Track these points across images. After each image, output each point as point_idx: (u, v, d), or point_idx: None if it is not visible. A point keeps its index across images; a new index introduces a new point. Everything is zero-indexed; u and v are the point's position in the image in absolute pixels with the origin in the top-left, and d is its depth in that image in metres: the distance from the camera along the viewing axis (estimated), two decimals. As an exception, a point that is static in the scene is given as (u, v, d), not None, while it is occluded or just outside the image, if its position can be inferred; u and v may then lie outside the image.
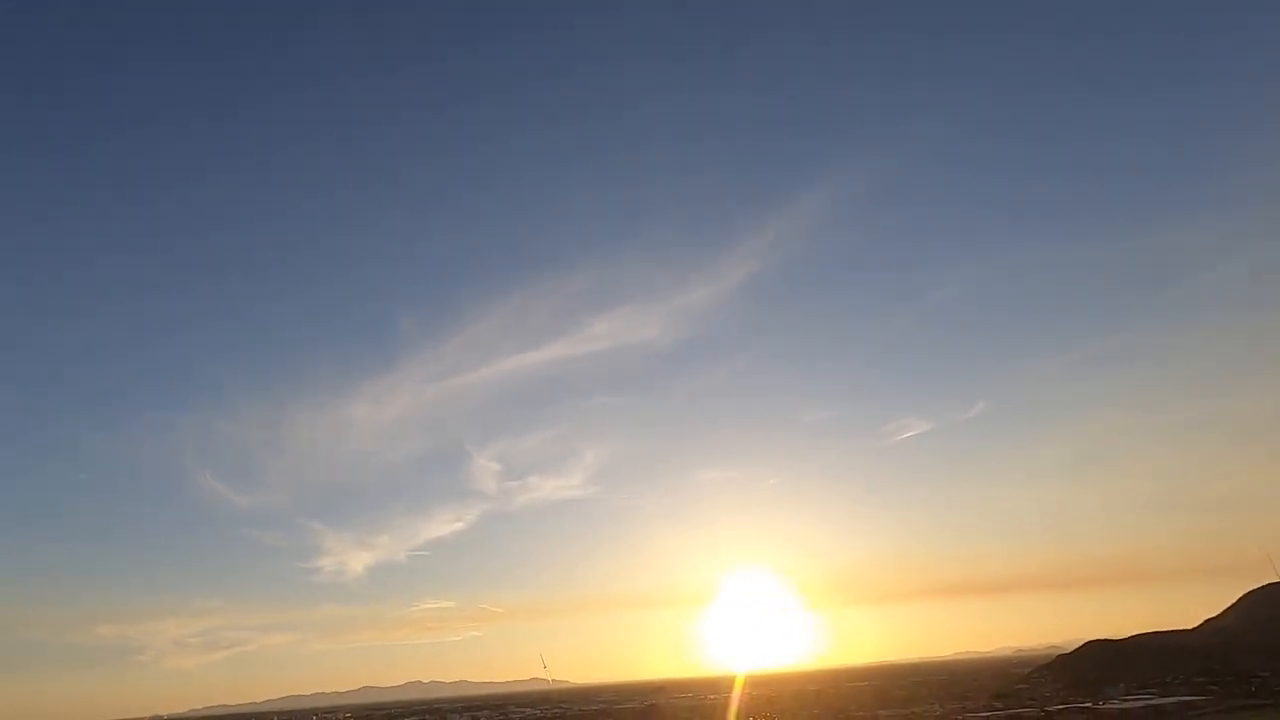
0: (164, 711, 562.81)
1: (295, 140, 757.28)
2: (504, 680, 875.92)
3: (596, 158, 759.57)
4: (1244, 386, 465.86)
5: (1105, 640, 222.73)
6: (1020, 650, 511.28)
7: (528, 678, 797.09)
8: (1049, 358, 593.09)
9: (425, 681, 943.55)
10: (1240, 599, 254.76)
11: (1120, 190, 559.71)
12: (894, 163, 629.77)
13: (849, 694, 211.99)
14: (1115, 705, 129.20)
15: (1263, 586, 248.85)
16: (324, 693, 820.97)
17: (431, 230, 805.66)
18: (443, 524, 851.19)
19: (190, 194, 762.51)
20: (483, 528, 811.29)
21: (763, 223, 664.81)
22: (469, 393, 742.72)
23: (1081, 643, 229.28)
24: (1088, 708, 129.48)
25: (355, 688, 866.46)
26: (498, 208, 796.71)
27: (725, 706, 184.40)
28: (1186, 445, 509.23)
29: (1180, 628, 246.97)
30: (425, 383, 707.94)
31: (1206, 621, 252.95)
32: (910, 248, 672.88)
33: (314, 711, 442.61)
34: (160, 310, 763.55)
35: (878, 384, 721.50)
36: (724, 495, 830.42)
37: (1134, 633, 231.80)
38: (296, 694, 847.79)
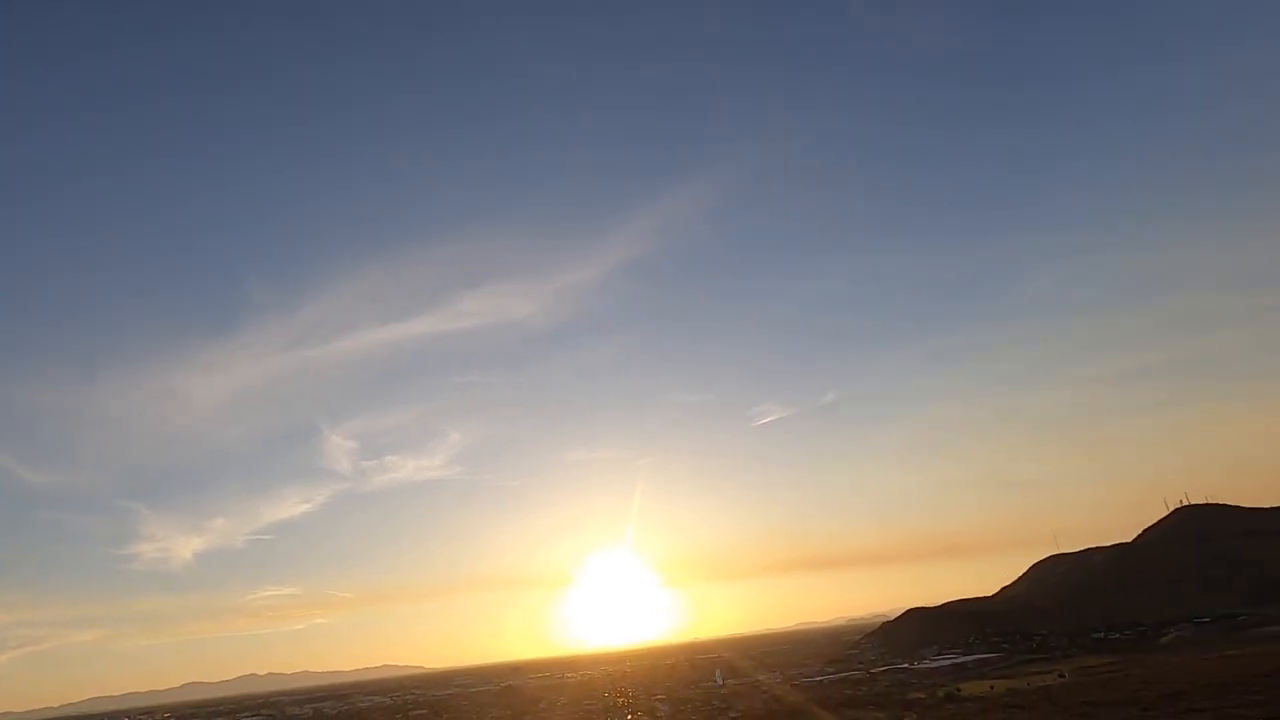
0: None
1: (145, 91, 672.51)
2: (353, 669, 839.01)
3: (476, 125, 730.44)
4: (1049, 383, 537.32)
5: (923, 608, 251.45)
6: (853, 620, 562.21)
7: (378, 665, 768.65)
8: (892, 354, 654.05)
9: (262, 674, 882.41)
10: (1030, 569, 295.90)
11: (956, 209, 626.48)
12: (774, 164, 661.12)
13: (701, 665, 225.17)
14: (927, 664, 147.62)
15: (1047, 557, 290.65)
16: (137, 692, 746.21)
17: (291, 190, 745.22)
18: (289, 506, 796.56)
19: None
20: (334, 509, 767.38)
21: (649, 206, 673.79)
22: (324, 366, 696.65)
23: (904, 610, 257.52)
24: (905, 667, 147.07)
25: (177, 685, 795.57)
26: (367, 171, 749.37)
27: (583, 684, 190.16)
28: (1001, 434, 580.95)
29: (983, 595, 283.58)
30: (273, 352, 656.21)
31: (1003, 589, 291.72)
32: (779, 247, 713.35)
33: (125, 713, 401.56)
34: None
35: (743, 371, 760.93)
36: (592, 476, 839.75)
37: (947, 600, 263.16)
38: (103, 695, 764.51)
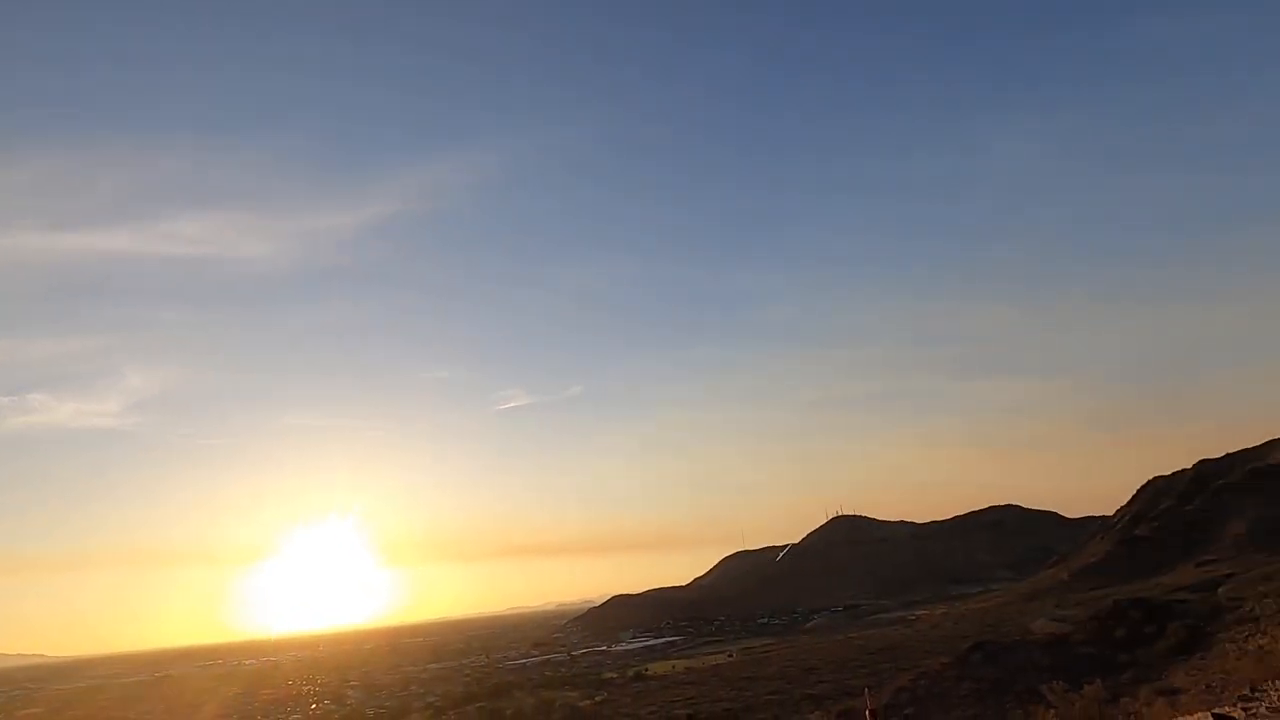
0: None
1: None
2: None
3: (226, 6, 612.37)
4: (771, 401, 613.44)
5: (625, 595, 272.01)
6: (563, 605, 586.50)
7: (12, 653, 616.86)
8: (640, 357, 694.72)
9: None
10: (720, 562, 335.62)
11: (708, 239, 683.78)
12: (559, 149, 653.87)
13: (405, 649, 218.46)
14: (623, 647, 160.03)
15: (735, 553, 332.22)
16: None
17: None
18: None
19: None
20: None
21: (418, 163, 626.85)
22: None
23: (609, 597, 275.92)
24: (603, 650, 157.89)
25: None
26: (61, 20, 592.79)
27: (264, 672, 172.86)
28: (722, 441, 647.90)
29: (679, 584, 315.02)
30: None
31: (696, 579, 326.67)
32: (547, 234, 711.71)
33: None
34: None
35: (491, 353, 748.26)
36: (315, 442, 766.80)
37: (647, 588, 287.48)
38: None
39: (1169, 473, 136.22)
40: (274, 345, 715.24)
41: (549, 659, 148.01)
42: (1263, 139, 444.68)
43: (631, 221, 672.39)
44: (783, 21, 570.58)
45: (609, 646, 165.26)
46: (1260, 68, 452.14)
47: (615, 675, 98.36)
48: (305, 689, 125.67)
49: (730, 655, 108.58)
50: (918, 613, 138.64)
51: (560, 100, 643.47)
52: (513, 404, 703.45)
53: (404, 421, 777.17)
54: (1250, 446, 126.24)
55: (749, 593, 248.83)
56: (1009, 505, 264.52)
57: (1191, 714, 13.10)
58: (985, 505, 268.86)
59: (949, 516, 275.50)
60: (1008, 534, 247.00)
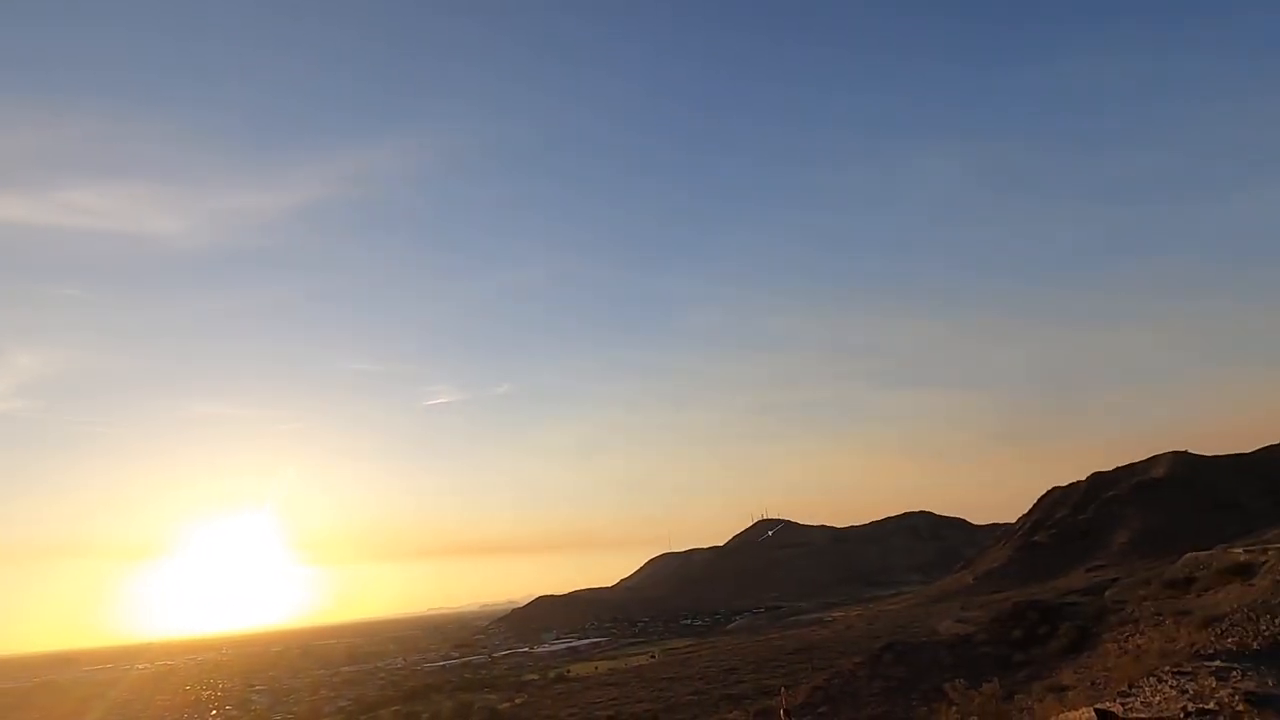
0: None
1: None
2: None
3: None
4: (702, 405, 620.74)
5: (550, 595, 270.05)
6: (486, 606, 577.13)
7: None
8: (573, 356, 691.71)
9: None
10: (646, 563, 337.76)
11: (643, 239, 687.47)
12: (499, 142, 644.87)
13: (318, 652, 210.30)
14: (546, 648, 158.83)
15: (661, 555, 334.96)
16: None
17: None
18: None
19: None
20: None
21: (349, 148, 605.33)
22: None
23: (533, 598, 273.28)
24: (525, 651, 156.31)
25: None
26: None
27: (160, 676, 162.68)
28: (654, 444, 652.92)
29: (605, 585, 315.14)
30: None
31: (621, 580, 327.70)
32: (479, 227, 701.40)
33: None
34: None
35: (419, 347, 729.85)
36: (226, 434, 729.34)
37: (573, 589, 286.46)
38: None
39: (1066, 484, 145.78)
40: (182, 329, 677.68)
41: (469, 661, 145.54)
42: (1165, 176, 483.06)
43: (567, 219, 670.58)
44: (725, 29, 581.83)
45: (532, 648, 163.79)
46: (1166, 109, 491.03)
47: (537, 677, 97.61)
48: (205, 694, 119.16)
49: (653, 656, 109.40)
50: (834, 614, 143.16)
51: (499, 94, 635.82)
52: (440, 400, 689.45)
53: (324, 415, 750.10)
54: (1137, 461, 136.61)
55: (674, 594, 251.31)
56: (922, 511, 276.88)
57: (1076, 709, 14.11)
58: (901, 511, 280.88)
59: (867, 521, 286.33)
60: (920, 539, 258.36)
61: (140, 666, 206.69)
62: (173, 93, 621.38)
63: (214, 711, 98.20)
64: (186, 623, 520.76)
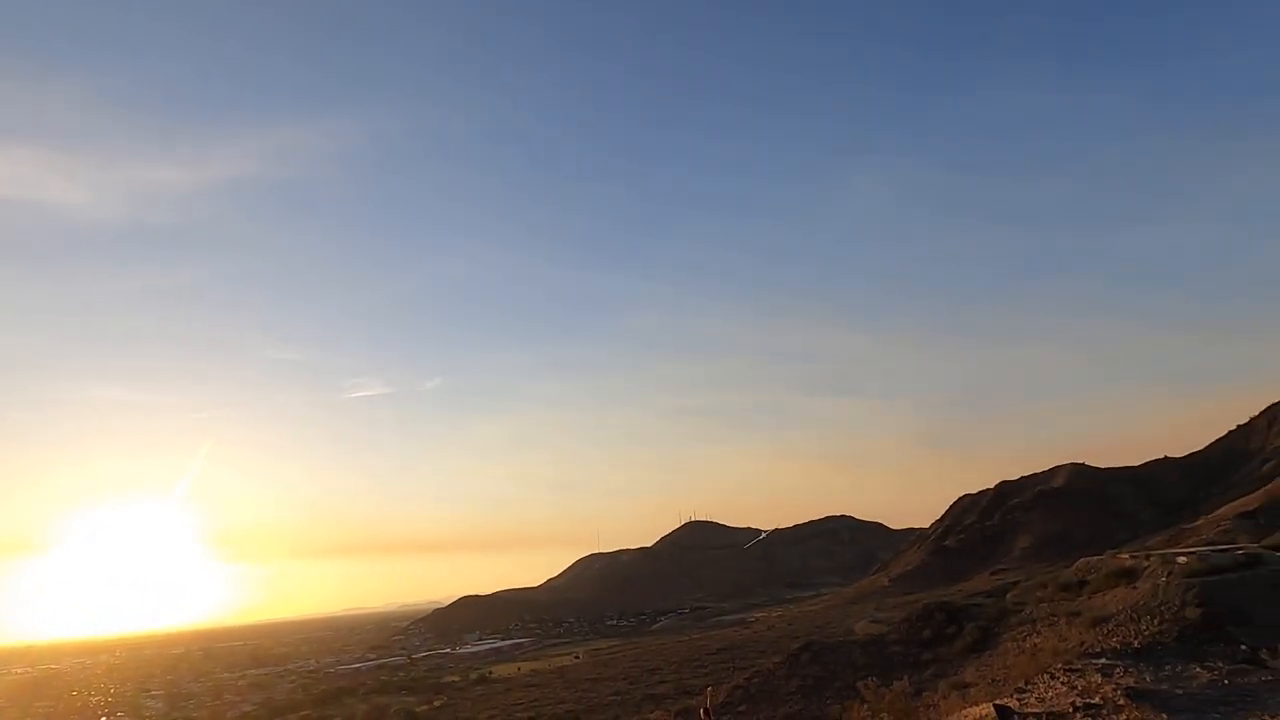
0: None
1: None
2: None
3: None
4: (637, 405, 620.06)
5: (473, 595, 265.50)
6: (406, 606, 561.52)
7: None
8: (505, 352, 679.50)
9: None
10: (573, 564, 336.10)
11: (578, 238, 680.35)
12: (437, 129, 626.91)
13: (221, 654, 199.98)
14: (468, 649, 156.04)
15: (589, 555, 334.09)
16: None
17: None
18: None
19: None
20: None
21: (277, 121, 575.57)
22: None
23: (456, 598, 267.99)
24: (446, 652, 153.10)
25: None
26: None
27: (43, 681, 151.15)
28: (587, 442, 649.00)
29: (530, 585, 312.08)
30: None
31: (548, 580, 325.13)
32: (411, 215, 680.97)
33: None
34: None
35: (343, 338, 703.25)
36: (122, 421, 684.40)
37: (499, 589, 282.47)
38: None
39: (976, 491, 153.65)
40: (83, 307, 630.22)
41: (386, 662, 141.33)
42: (1073, 205, 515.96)
43: (502, 213, 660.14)
44: (666, 34, 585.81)
45: (453, 649, 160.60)
46: (1077, 143, 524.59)
47: (457, 678, 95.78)
48: (94, 699, 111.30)
49: (577, 657, 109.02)
50: (756, 615, 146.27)
51: (438, 85, 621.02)
52: (366, 392, 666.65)
53: (241, 405, 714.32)
54: (1040, 470, 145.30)
55: (600, 595, 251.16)
56: (843, 515, 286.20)
57: (978, 704, 14.94)
58: (823, 515, 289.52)
59: (791, 524, 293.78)
60: (841, 542, 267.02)
61: (18, 671, 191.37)
62: (82, 54, 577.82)
63: (103, 718, 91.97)
64: (77, 624, 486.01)
